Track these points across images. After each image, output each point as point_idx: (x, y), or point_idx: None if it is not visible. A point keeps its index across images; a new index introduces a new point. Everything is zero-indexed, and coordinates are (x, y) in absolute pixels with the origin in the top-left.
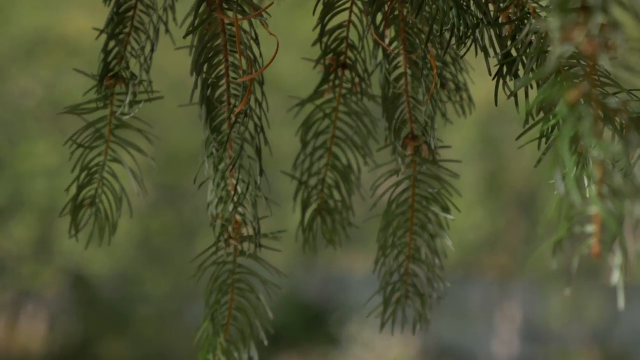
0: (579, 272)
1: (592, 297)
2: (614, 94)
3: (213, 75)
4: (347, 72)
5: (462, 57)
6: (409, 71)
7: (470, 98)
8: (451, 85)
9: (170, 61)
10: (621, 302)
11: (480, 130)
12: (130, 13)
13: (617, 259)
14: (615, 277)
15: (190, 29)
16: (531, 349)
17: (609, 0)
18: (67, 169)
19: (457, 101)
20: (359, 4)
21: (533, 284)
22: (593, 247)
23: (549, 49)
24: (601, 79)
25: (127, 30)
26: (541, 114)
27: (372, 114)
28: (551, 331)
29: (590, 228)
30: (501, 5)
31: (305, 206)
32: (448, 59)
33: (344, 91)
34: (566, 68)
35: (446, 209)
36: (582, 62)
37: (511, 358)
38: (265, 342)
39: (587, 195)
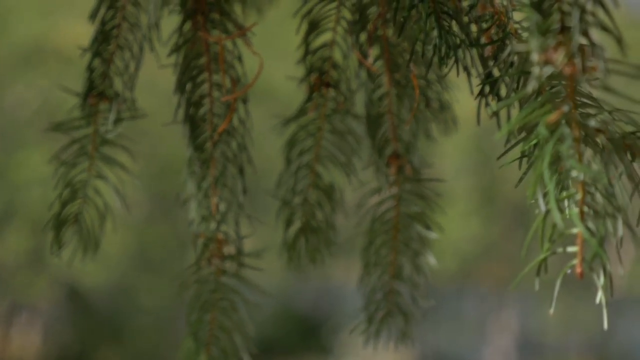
0: (575, 283)
1: (588, 308)
2: (595, 115)
3: (197, 94)
4: (331, 91)
5: (444, 76)
6: (392, 90)
7: (454, 118)
8: (435, 104)
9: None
10: (605, 322)
11: (475, 141)
12: (115, 31)
13: (600, 279)
14: (599, 297)
15: (175, 47)
16: (527, 358)
17: (588, 22)
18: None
19: (441, 120)
20: (344, 23)
21: (529, 294)
22: (576, 268)
23: (530, 70)
24: (583, 100)
25: (111, 48)
26: (523, 134)
27: (356, 133)
28: (547, 341)
29: (573, 248)
30: (483, 26)
31: (288, 225)
32: (432, 77)
33: (328, 110)
34: (547, 89)
35: (429, 228)
36: (563, 84)
37: None
38: None
39: (569, 216)
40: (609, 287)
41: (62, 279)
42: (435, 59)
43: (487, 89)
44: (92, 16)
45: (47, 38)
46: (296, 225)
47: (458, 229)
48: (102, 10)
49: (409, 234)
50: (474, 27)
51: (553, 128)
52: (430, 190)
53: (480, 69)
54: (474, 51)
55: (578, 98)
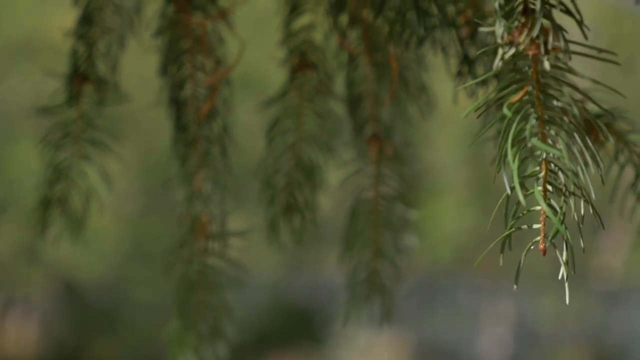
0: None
1: (583, 298)
2: (559, 95)
3: (180, 77)
4: (312, 72)
5: (422, 57)
6: (371, 72)
7: (432, 100)
8: (414, 86)
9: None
10: (567, 297)
11: (469, 132)
12: (99, 15)
13: (563, 255)
14: (561, 273)
15: (157, 30)
16: (524, 349)
17: (551, 4)
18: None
19: (420, 102)
20: (324, 5)
21: (525, 284)
22: (540, 244)
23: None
24: (547, 81)
25: (95, 31)
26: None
27: (337, 114)
28: (543, 331)
29: (536, 225)
30: (460, 7)
31: (270, 205)
32: (411, 59)
33: (309, 92)
34: (513, 70)
35: (410, 207)
36: (529, 64)
37: (504, 358)
38: (233, 340)
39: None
40: (572, 263)
41: (57, 273)
42: (413, 40)
43: (464, 69)
44: (76, 0)
45: (40, 30)
46: (278, 205)
47: (453, 220)
48: None
49: (389, 213)
50: (451, 9)
51: (517, 108)
52: (411, 170)
53: (459, 50)
54: (452, 32)
55: (543, 79)
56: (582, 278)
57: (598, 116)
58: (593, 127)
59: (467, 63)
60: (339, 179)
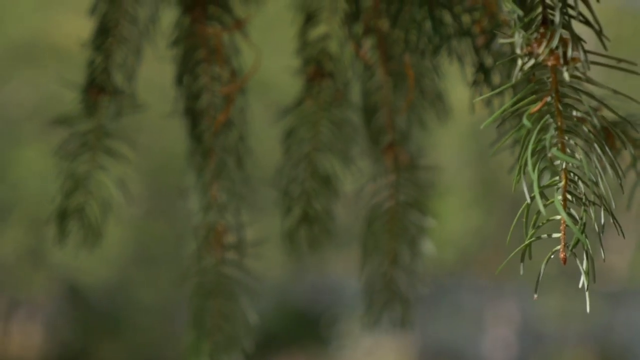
0: (575, 274)
1: (588, 299)
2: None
3: (195, 87)
4: (327, 82)
5: (438, 66)
6: (387, 80)
7: (448, 107)
8: (430, 94)
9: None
10: (588, 306)
11: (475, 133)
12: (115, 26)
13: (583, 264)
14: (581, 282)
15: (173, 41)
16: (528, 349)
17: (570, 15)
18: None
19: (436, 109)
20: (339, 14)
21: (529, 285)
22: (560, 254)
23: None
24: (567, 91)
25: (111, 42)
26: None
27: (353, 123)
28: (547, 331)
29: (557, 235)
30: (476, 16)
31: (287, 215)
32: (427, 67)
33: (325, 101)
34: (533, 80)
35: (426, 214)
36: (547, 75)
37: (508, 359)
38: (249, 350)
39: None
40: (592, 273)
41: (62, 275)
42: (429, 49)
43: (480, 78)
44: (92, 11)
45: (44, 34)
46: (295, 215)
47: (457, 221)
48: (102, 5)
49: (405, 221)
50: (466, 18)
51: (537, 118)
52: (426, 178)
53: (474, 59)
54: (468, 41)
55: (562, 89)
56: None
57: (614, 124)
58: (610, 134)
59: (483, 72)
60: (355, 187)
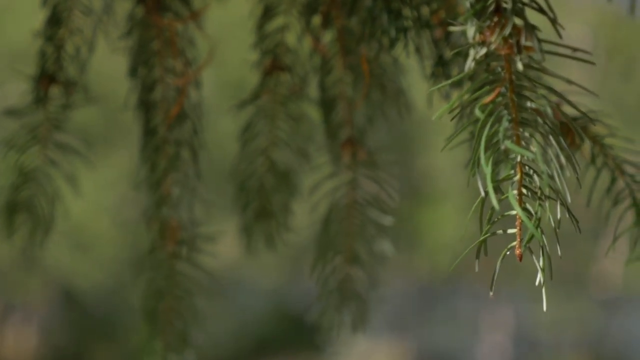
0: (570, 281)
1: (583, 305)
2: (534, 97)
3: (150, 79)
4: (285, 75)
5: (394, 59)
6: (345, 74)
7: (409, 103)
8: (391, 89)
9: None
10: (545, 304)
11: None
12: (67, 16)
13: (540, 261)
14: (538, 279)
15: (126, 32)
16: (523, 355)
17: (523, 3)
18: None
19: (396, 105)
20: (297, 6)
21: (524, 291)
22: (516, 250)
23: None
24: (522, 82)
25: (63, 33)
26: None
27: (310, 118)
28: (542, 338)
29: (512, 231)
30: (433, 7)
31: (244, 209)
32: (387, 61)
33: (282, 94)
34: (486, 71)
35: (385, 212)
36: (501, 65)
37: None
38: (199, 346)
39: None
40: (549, 269)
41: (56, 279)
42: (385, 42)
43: (439, 71)
44: (43, 1)
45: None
46: (252, 210)
47: (452, 227)
48: None
49: (363, 219)
50: (424, 9)
51: (490, 110)
52: (385, 174)
53: (433, 51)
54: (426, 33)
55: (517, 80)
56: (582, 285)
57: (575, 119)
58: (569, 129)
59: (441, 64)
60: (314, 183)
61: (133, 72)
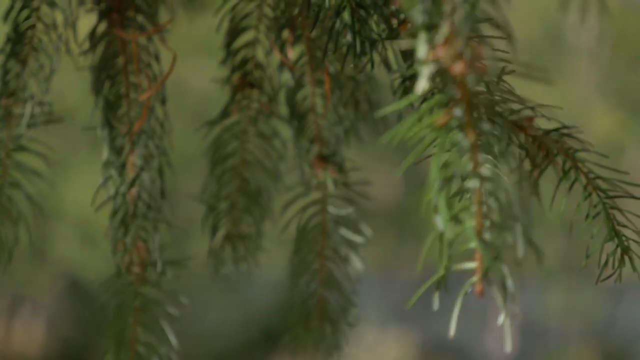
0: (576, 269)
1: (590, 294)
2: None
3: (114, 95)
4: (255, 92)
5: (360, 72)
6: (315, 90)
7: (384, 119)
8: (364, 105)
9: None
10: (509, 345)
11: None
12: (30, 32)
13: (500, 298)
14: (500, 319)
15: (90, 47)
16: (530, 346)
17: (477, 18)
18: (61, 172)
19: (371, 121)
20: (266, 21)
21: (531, 281)
22: (476, 286)
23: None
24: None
25: (26, 49)
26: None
27: (281, 135)
28: (549, 327)
29: (472, 265)
30: (401, 18)
31: (214, 231)
32: (361, 77)
33: (252, 112)
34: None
35: (358, 232)
36: (456, 84)
37: (510, 355)
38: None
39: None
40: (512, 304)
41: (64, 272)
42: (351, 56)
43: (406, 85)
44: (5, 17)
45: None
46: (221, 231)
47: None
48: (16, 10)
49: (336, 239)
50: (393, 21)
51: (441, 132)
52: (357, 193)
53: (401, 65)
54: (393, 46)
55: (474, 100)
56: (590, 274)
57: (547, 132)
58: (543, 144)
59: (409, 79)
60: (285, 203)
61: (97, 87)
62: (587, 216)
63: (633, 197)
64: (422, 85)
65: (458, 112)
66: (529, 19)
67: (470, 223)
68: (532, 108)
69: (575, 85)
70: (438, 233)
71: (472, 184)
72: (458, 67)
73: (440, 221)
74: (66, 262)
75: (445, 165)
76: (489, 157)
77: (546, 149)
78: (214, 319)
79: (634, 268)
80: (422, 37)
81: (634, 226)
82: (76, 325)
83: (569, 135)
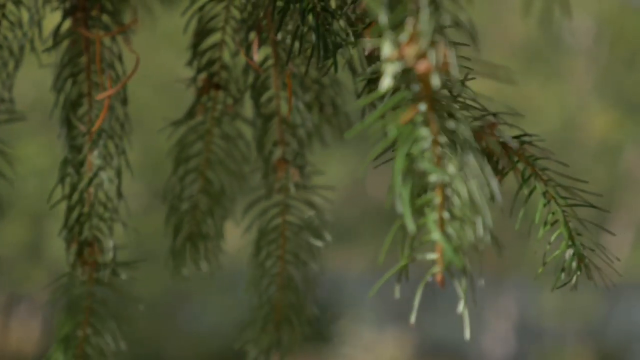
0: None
1: (586, 294)
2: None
3: (75, 93)
4: (220, 93)
5: (323, 75)
6: (280, 92)
7: (349, 122)
8: (329, 108)
9: (161, 66)
10: (467, 333)
11: None
12: None
13: (461, 288)
14: (460, 307)
15: (53, 45)
16: (526, 346)
17: (442, 18)
18: (58, 173)
19: (335, 125)
20: (233, 23)
21: (527, 281)
22: (437, 276)
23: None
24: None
25: None
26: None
27: (245, 137)
28: (545, 327)
29: (433, 256)
30: (366, 21)
31: (176, 231)
32: (326, 81)
33: (217, 113)
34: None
35: (319, 236)
36: (419, 82)
37: (507, 355)
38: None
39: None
40: (472, 295)
41: (61, 270)
42: (315, 58)
43: (369, 87)
44: None
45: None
46: (185, 231)
47: None
48: None
49: (297, 243)
50: (357, 24)
51: (408, 129)
52: (320, 197)
53: (365, 68)
54: (357, 48)
55: (437, 98)
56: (585, 274)
57: (509, 140)
58: (505, 150)
59: (372, 82)
60: (247, 205)
61: (59, 86)
62: (545, 223)
63: (592, 206)
64: (386, 82)
65: (422, 108)
66: (526, 19)
67: (433, 216)
68: (494, 115)
69: (572, 85)
70: (400, 224)
71: (435, 178)
72: (422, 66)
73: (403, 213)
74: (63, 261)
75: (409, 160)
76: (452, 151)
77: (507, 156)
78: (211, 319)
79: (588, 276)
80: (388, 35)
81: (591, 235)
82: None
83: (530, 143)
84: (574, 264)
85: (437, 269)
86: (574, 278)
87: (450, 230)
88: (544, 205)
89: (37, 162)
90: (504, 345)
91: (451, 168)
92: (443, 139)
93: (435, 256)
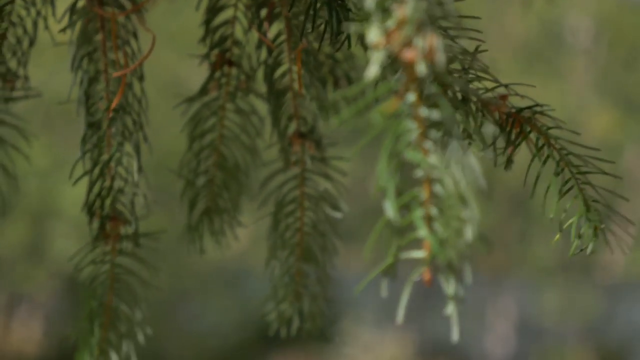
0: (574, 268)
1: (587, 293)
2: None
3: (92, 71)
4: (233, 69)
5: (336, 50)
6: (293, 67)
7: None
8: (343, 82)
9: (166, 64)
10: (456, 334)
11: None
12: (8, 8)
13: (449, 287)
14: (449, 308)
15: (68, 24)
16: (527, 345)
17: (430, 6)
18: (60, 171)
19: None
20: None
21: (528, 281)
22: (424, 274)
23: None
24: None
25: (4, 25)
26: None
27: (259, 112)
28: (546, 326)
29: (420, 253)
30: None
31: (192, 206)
32: (340, 56)
33: (230, 89)
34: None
35: (336, 207)
36: (406, 70)
37: (507, 355)
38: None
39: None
40: (460, 295)
41: (62, 271)
42: (328, 34)
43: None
44: None
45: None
46: (201, 206)
47: None
48: None
49: (315, 214)
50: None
51: (389, 120)
52: (335, 169)
53: None
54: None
55: (424, 85)
56: (586, 273)
57: (521, 110)
58: (516, 120)
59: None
60: (263, 179)
61: (76, 64)
62: (559, 191)
63: (604, 172)
64: (373, 71)
65: (408, 99)
66: (527, 18)
67: (419, 212)
68: (505, 86)
69: (572, 84)
70: (387, 220)
71: (421, 171)
72: (409, 54)
73: (389, 209)
74: (64, 261)
75: (395, 153)
76: (438, 144)
77: (520, 126)
78: (211, 319)
79: (605, 241)
80: (374, 22)
81: (605, 201)
82: (73, 323)
83: (541, 113)
84: (590, 231)
85: (424, 267)
86: (590, 245)
87: (437, 226)
88: (558, 174)
89: (38, 163)
90: (505, 345)
91: (438, 160)
92: (429, 130)
93: (423, 254)
